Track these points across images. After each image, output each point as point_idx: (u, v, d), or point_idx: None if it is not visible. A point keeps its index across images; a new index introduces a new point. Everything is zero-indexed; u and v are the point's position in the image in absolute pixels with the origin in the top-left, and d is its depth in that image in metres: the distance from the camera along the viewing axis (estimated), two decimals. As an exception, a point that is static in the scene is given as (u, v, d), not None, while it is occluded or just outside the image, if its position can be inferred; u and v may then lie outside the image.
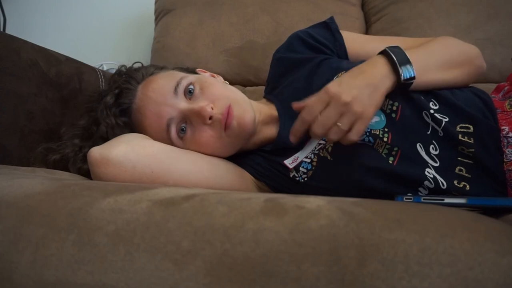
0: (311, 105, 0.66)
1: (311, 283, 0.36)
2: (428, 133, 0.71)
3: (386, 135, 0.72)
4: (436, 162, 0.69)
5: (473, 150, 0.68)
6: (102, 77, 1.07)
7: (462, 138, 0.69)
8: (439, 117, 0.71)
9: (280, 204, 0.42)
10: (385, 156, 0.71)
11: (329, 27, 0.95)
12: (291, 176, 0.78)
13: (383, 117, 0.73)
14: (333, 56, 0.92)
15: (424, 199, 0.60)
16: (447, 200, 0.59)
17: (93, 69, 1.06)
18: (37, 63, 0.91)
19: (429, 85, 0.75)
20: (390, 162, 0.70)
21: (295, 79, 0.90)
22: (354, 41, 0.94)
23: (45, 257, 0.44)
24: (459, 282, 0.34)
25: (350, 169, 0.71)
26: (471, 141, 0.69)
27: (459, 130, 0.70)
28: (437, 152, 0.70)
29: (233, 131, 0.77)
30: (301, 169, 0.76)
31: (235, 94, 0.83)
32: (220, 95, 0.79)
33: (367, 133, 0.72)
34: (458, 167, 0.69)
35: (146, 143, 0.72)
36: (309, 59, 0.90)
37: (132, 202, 0.45)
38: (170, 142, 0.78)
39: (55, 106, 0.93)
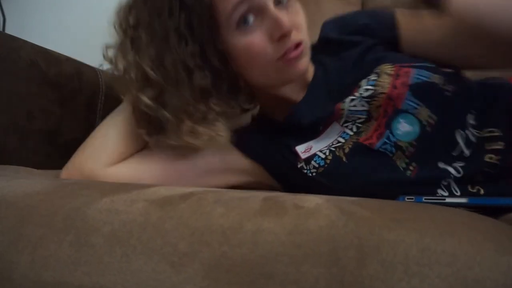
0: None
1: (310, 285, 0.36)
2: (454, 153, 0.66)
3: (411, 148, 0.67)
4: (459, 173, 0.65)
5: (497, 171, 0.64)
6: (102, 77, 1.06)
7: (489, 160, 0.64)
8: (472, 138, 0.67)
9: (279, 203, 0.42)
10: (402, 169, 0.67)
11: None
12: (298, 166, 0.74)
13: (417, 128, 0.67)
14: (376, 42, 0.79)
15: (425, 198, 0.60)
16: (449, 199, 0.59)
17: (93, 69, 1.06)
18: (37, 63, 0.91)
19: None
20: (408, 175, 0.66)
21: (343, 60, 0.79)
22: (407, 15, 0.80)
23: (43, 257, 0.44)
24: (459, 282, 0.34)
25: (363, 177, 0.68)
26: (497, 161, 0.64)
27: (488, 148, 0.65)
28: (463, 164, 0.66)
29: (286, 65, 0.70)
30: (312, 162, 0.72)
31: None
32: (302, 27, 0.72)
33: (393, 143, 0.68)
34: (478, 176, 0.65)
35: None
36: (355, 43, 0.79)
37: (128, 202, 0.45)
38: (226, 20, 0.68)
39: (55, 106, 0.93)
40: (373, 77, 0.72)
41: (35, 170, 0.74)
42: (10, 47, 0.87)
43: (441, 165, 0.66)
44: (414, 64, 0.72)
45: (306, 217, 0.39)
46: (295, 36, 0.69)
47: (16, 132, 0.86)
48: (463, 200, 0.58)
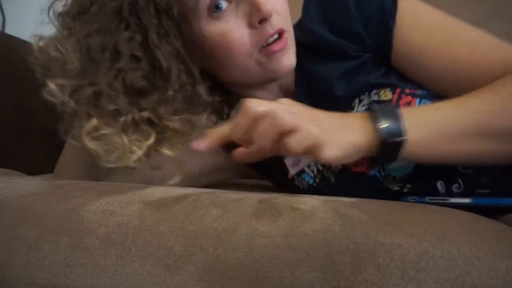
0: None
1: (305, 289, 0.36)
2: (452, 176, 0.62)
3: (402, 180, 0.62)
4: (459, 189, 0.62)
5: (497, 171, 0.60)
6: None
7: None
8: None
9: (274, 205, 0.41)
10: (396, 190, 0.63)
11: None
12: (289, 177, 0.72)
13: (412, 164, 0.61)
14: (369, 57, 0.66)
15: (429, 199, 0.59)
16: (452, 200, 0.58)
17: (92, 68, 1.06)
18: (37, 62, 0.91)
19: (444, 160, 0.55)
20: (405, 191, 0.63)
21: (330, 71, 0.68)
22: (414, 24, 0.63)
23: (38, 259, 0.44)
24: (456, 288, 0.33)
25: (356, 195, 0.57)
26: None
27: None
28: (460, 191, 0.62)
29: (268, 59, 0.62)
30: (302, 178, 0.70)
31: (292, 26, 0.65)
32: (284, 13, 0.63)
33: (383, 176, 0.63)
34: (483, 180, 0.61)
35: None
36: (348, 56, 0.67)
37: (124, 204, 0.45)
38: (194, 6, 0.59)
39: (55, 106, 0.93)
40: (368, 102, 0.65)
41: (27, 176, 0.74)
42: (10, 47, 0.88)
43: (439, 185, 0.62)
44: (417, 93, 0.63)
45: (302, 220, 0.39)
46: (276, 21, 0.61)
47: (16, 132, 0.86)
48: (466, 200, 0.57)
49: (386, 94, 0.64)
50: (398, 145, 0.50)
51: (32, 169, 0.85)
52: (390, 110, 0.51)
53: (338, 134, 0.50)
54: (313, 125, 0.49)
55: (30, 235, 0.45)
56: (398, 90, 0.64)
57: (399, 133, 0.50)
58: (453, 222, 0.38)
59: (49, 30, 0.66)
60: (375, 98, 0.64)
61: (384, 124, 0.50)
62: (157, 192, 0.47)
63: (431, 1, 1.22)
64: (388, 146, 0.50)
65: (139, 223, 0.42)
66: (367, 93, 0.65)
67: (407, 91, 0.63)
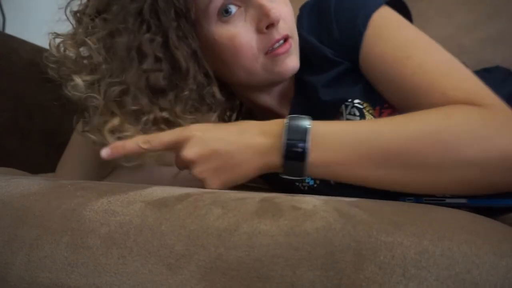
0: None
1: (307, 288, 0.36)
2: None
3: None
4: None
5: None
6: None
7: None
8: None
9: (276, 204, 0.41)
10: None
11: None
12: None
13: None
14: (350, 65, 0.68)
15: (425, 199, 0.59)
16: (448, 200, 0.58)
17: (92, 68, 1.06)
18: (37, 63, 0.91)
19: (354, 182, 0.56)
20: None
21: (320, 80, 0.71)
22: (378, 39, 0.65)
23: (39, 258, 0.44)
24: (457, 285, 0.33)
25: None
26: None
27: None
28: None
29: (273, 62, 0.65)
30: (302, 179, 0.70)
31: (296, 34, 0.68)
32: (290, 20, 0.67)
33: None
34: None
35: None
36: (335, 63, 0.69)
37: (125, 203, 0.45)
38: (205, 10, 0.62)
39: (55, 106, 0.93)
40: (356, 111, 0.67)
41: (29, 174, 0.74)
42: (10, 47, 0.88)
43: None
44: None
45: (303, 219, 0.39)
46: (282, 28, 0.64)
47: (16, 132, 0.86)
48: (462, 200, 0.57)
49: (370, 108, 0.67)
50: (300, 166, 0.53)
51: (32, 169, 0.85)
52: (300, 128, 0.53)
53: (235, 169, 0.55)
54: (206, 163, 0.54)
55: (31, 234, 0.45)
56: (377, 108, 0.67)
57: (301, 155, 0.52)
58: (453, 222, 0.38)
59: (51, 30, 0.66)
60: (358, 106, 0.67)
61: (288, 146, 0.53)
62: (158, 191, 0.47)
63: (432, 2, 1.22)
64: (290, 169, 0.54)
65: (141, 223, 0.42)
66: (350, 100, 0.68)
67: (386, 105, 0.66)
